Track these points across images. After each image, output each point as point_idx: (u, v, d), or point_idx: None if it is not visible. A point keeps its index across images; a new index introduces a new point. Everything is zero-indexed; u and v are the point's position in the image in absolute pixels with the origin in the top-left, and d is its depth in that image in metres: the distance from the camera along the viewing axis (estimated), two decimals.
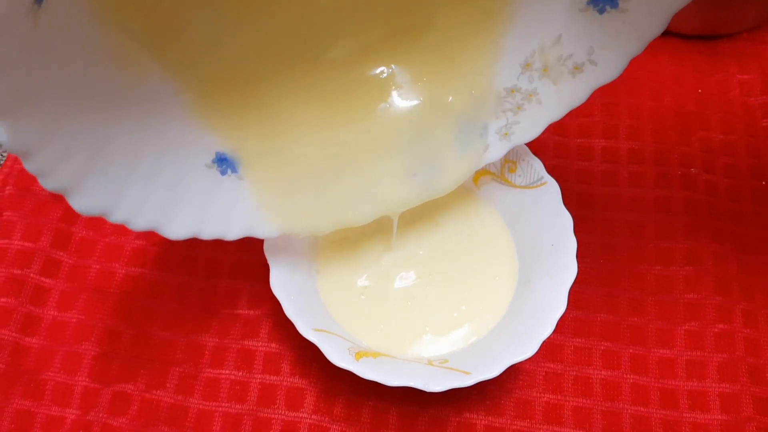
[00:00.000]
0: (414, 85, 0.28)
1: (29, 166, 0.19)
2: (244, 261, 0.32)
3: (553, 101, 0.27)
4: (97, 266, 0.32)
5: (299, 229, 0.28)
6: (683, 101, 0.36)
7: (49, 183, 0.20)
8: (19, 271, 0.31)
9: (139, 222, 0.23)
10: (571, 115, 0.36)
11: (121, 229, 0.33)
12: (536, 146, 0.31)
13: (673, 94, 0.36)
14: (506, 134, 0.28)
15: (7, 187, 0.33)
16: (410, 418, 0.29)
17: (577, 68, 0.25)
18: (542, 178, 0.29)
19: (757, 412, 0.29)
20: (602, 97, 0.36)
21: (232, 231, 0.26)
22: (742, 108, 0.36)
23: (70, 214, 0.33)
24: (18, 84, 0.18)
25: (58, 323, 0.31)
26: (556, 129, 0.35)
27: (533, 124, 0.28)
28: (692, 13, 0.36)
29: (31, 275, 0.31)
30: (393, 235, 0.30)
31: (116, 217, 0.22)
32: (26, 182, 0.33)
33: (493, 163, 0.30)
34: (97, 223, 0.33)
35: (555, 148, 0.35)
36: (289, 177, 0.28)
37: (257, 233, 0.27)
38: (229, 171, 0.26)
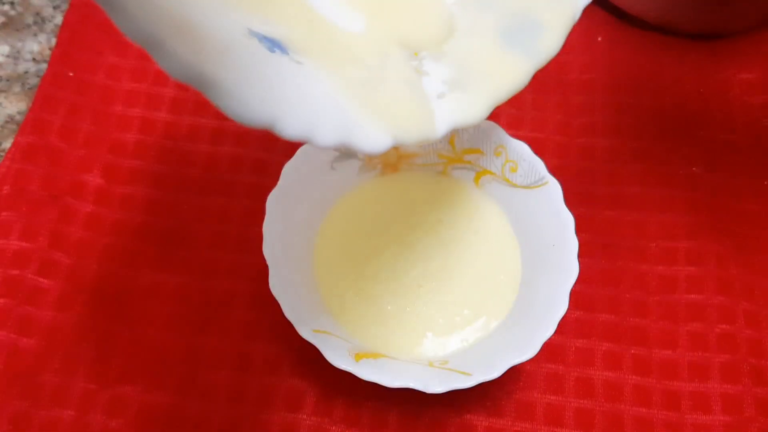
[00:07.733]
0: None
1: None
2: (244, 261, 0.32)
3: None
4: (95, 267, 0.32)
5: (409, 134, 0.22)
6: (684, 101, 0.36)
7: None
8: (16, 272, 0.31)
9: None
10: (573, 114, 0.35)
11: (118, 230, 0.33)
12: (537, 146, 0.31)
13: (674, 94, 0.36)
14: None
15: (5, 187, 0.33)
16: (410, 420, 0.29)
17: None
18: (543, 177, 0.29)
19: (760, 414, 0.29)
20: (603, 96, 0.36)
21: (322, 129, 0.19)
22: (743, 107, 0.36)
23: (68, 214, 0.33)
24: None
25: (55, 324, 0.30)
26: (557, 128, 0.35)
27: None
28: (693, 12, 0.36)
29: (29, 276, 0.31)
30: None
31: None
32: (24, 182, 0.33)
33: (493, 162, 0.30)
34: (95, 223, 0.33)
35: (556, 148, 0.35)
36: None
37: (355, 140, 0.20)
38: (277, 51, 0.20)
